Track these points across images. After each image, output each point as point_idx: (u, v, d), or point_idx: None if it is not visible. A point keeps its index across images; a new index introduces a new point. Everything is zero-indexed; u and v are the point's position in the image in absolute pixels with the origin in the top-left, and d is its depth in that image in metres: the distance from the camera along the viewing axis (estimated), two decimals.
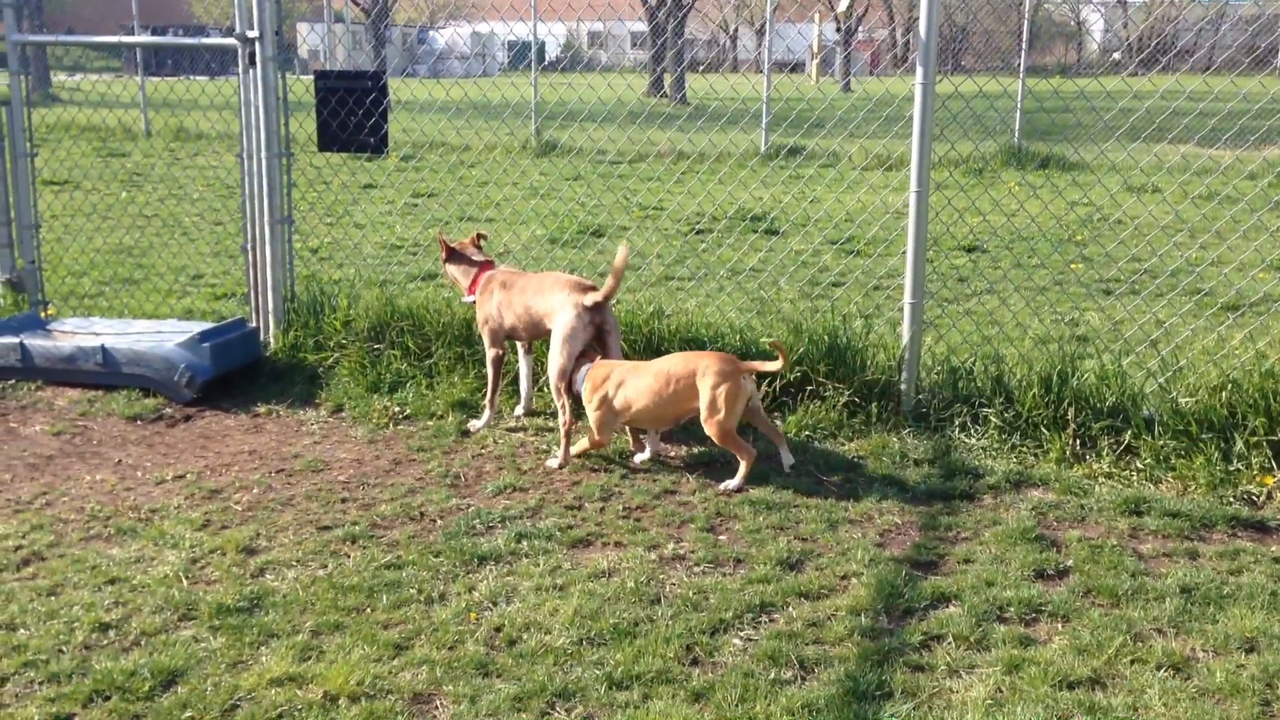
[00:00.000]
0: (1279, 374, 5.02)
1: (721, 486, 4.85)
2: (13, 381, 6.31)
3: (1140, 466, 4.97)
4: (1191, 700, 3.30)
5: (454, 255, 5.82)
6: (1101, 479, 4.93)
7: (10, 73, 7.03)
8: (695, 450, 5.32)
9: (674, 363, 4.97)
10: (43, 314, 7.13)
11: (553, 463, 5.19)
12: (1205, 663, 3.51)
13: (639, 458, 5.19)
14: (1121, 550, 4.27)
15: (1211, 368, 5.29)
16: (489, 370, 5.66)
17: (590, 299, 5.20)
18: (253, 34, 6.33)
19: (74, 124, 18.96)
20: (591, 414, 5.08)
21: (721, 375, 4.81)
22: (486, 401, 5.68)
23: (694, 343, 5.91)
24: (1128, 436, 5.09)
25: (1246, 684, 3.36)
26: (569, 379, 5.17)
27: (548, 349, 5.34)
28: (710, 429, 4.84)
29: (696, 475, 5.05)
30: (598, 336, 5.26)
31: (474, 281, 5.71)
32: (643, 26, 34.07)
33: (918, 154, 5.43)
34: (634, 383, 4.98)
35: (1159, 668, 3.47)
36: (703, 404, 4.83)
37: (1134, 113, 7.48)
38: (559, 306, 5.28)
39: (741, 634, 3.70)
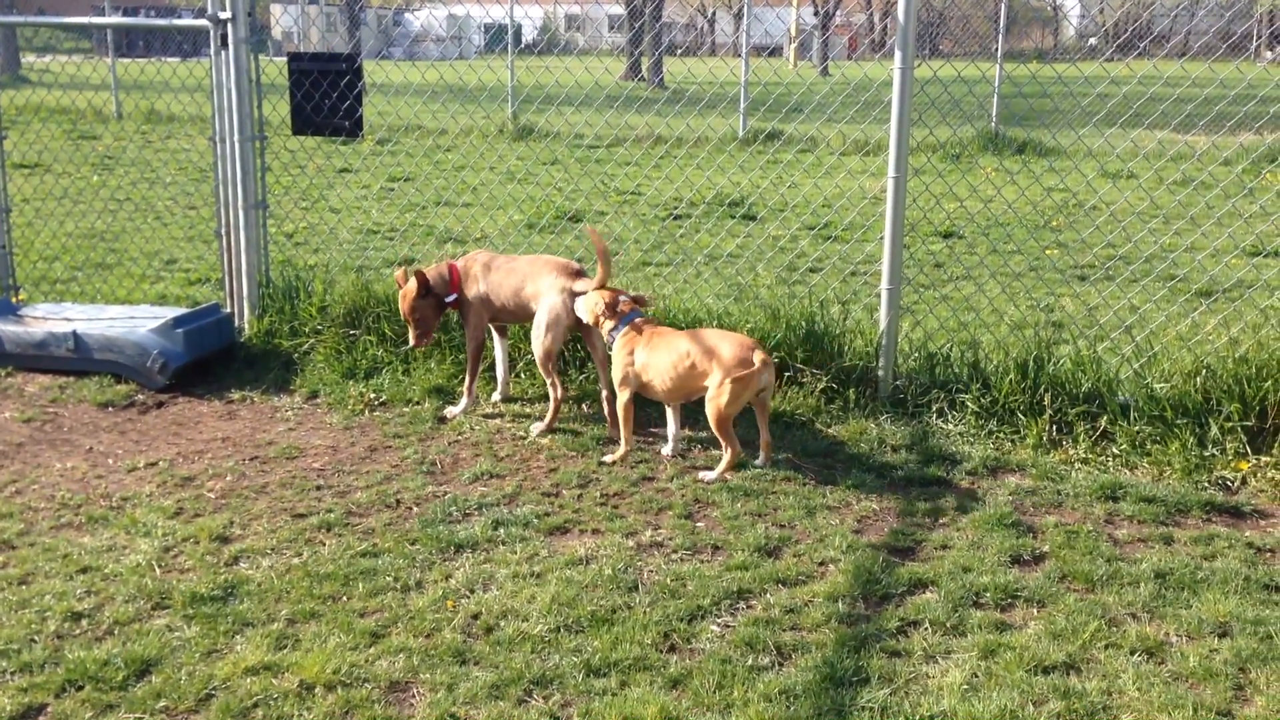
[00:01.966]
0: (1252, 360, 5.05)
1: (700, 475, 4.84)
2: None
3: (1116, 452, 5.00)
4: (1165, 685, 3.32)
5: (428, 283, 5.51)
6: (1078, 464, 4.96)
7: None
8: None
9: (698, 336, 4.88)
10: (14, 299, 7.05)
11: (536, 426, 5.30)
12: (1179, 647, 3.53)
13: (665, 450, 5.15)
14: (1097, 535, 4.29)
15: (1186, 353, 5.32)
16: (469, 357, 5.62)
17: (580, 285, 5.18)
18: (225, 15, 6.25)
19: (44, 106, 18.73)
20: (616, 371, 5.03)
21: (738, 360, 4.72)
22: (465, 388, 5.65)
23: (672, 328, 5.88)
24: (1104, 422, 5.11)
25: (1219, 668, 3.39)
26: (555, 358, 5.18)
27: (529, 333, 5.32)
28: (709, 409, 4.77)
29: (674, 462, 5.04)
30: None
31: (453, 280, 5.60)
32: (620, 10, 33.92)
33: (896, 139, 5.42)
34: (658, 348, 4.91)
35: (1133, 652, 3.49)
36: (711, 384, 4.76)
37: (1111, 98, 7.50)
38: (545, 290, 5.28)
39: (719, 621, 3.69)
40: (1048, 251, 9.23)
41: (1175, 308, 7.10)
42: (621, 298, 5.10)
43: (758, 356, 4.72)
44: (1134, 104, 7.05)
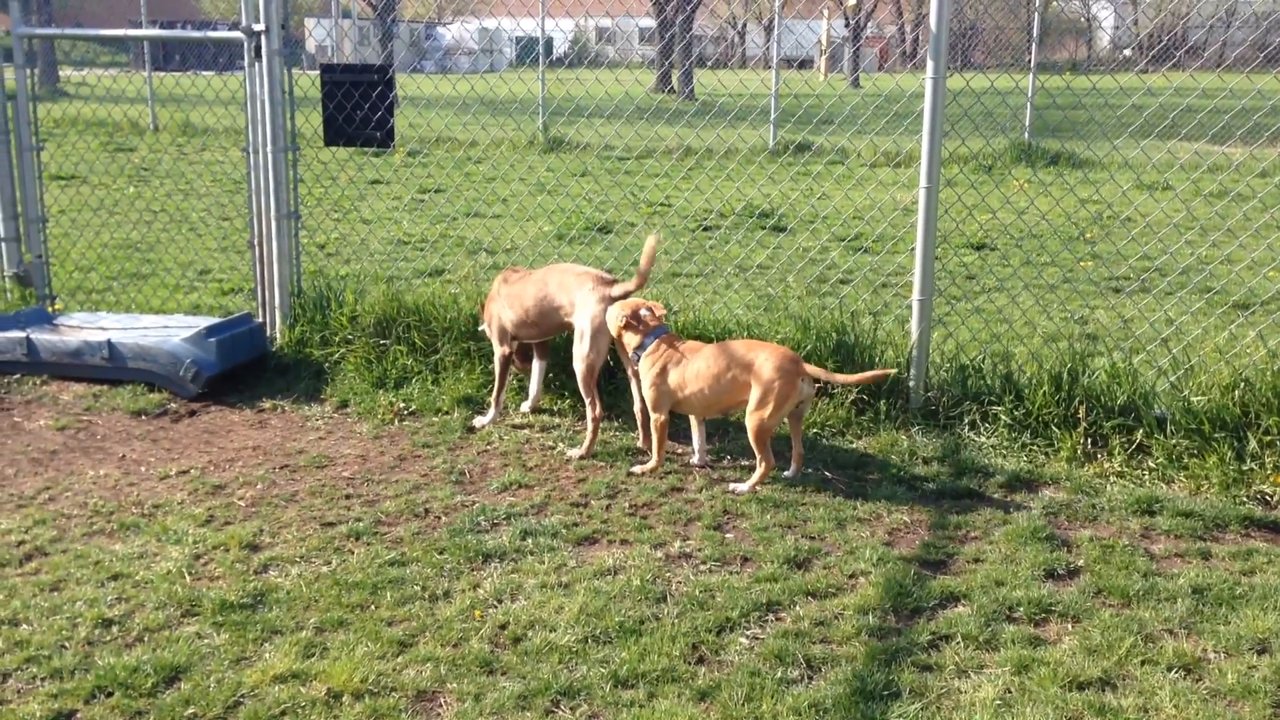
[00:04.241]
0: None
1: (731, 487, 4.81)
2: (18, 376, 6.30)
3: (1152, 466, 4.93)
4: (1203, 702, 3.27)
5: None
6: (1113, 478, 4.89)
7: (15, 66, 7.02)
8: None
9: (735, 349, 4.83)
10: (50, 308, 7.12)
11: (574, 452, 5.19)
12: (1217, 664, 3.47)
13: (693, 460, 5.11)
14: (1133, 550, 4.23)
15: (1224, 366, 5.24)
16: (496, 368, 5.62)
17: (619, 290, 5.15)
18: (259, 27, 6.30)
19: (81, 118, 18.97)
20: (648, 391, 4.97)
21: (780, 371, 4.68)
22: (493, 400, 5.64)
23: (701, 339, 5.86)
24: (1139, 435, 5.04)
25: (1259, 685, 3.33)
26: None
27: (568, 344, 5.27)
28: (750, 421, 4.73)
29: (704, 473, 5.02)
30: None
31: (490, 291, 5.71)
32: (651, 22, 34.01)
33: (928, 149, 5.38)
34: (693, 363, 4.87)
35: (1170, 669, 3.43)
36: (753, 396, 4.71)
37: (1146, 109, 7.43)
38: (584, 301, 5.19)
39: (748, 633, 3.66)
40: (1082, 263, 9.14)
41: (1212, 320, 7.01)
42: (643, 311, 5.04)
43: (800, 368, 4.70)
44: (1170, 115, 6.97)
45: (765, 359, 4.72)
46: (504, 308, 5.51)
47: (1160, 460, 4.93)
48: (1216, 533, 4.41)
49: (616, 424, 5.57)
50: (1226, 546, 4.29)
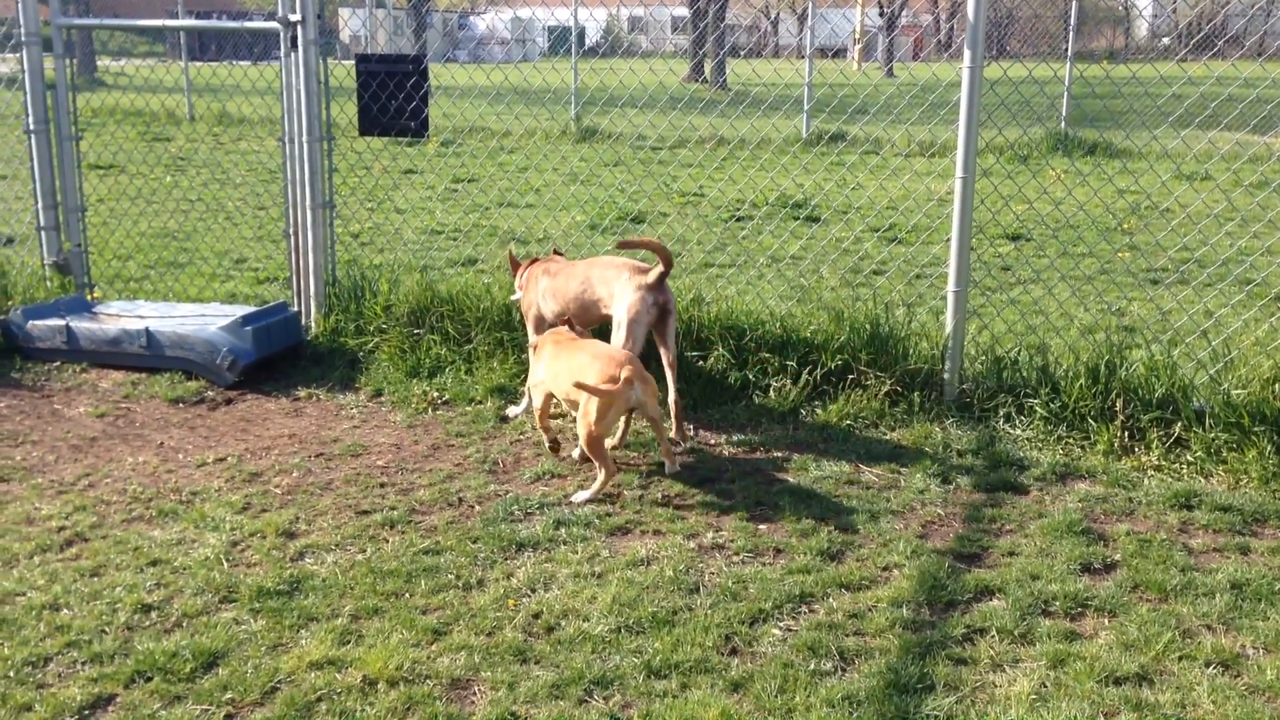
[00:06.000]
0: None
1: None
2: (58, 363, 6.38)
3: (1190, 459, 4.88)
4: (1241, 698, 3.23)
5: (516, 265, 5.82)
6: (1150, 472, 4.84)
7: (54, 56, 7.08)
8: (735, 438, 5.28)
9: (585, 348, 4.85)
10: (88, 297, 7.20)
11: (609, 442, 5.13)
12: (1255, 660, 3.44)
13: (576, 452, 5.06)
14: (1171, 545, 4.19)
15: (1264, 359, 5.17)
16: (530, 358, 5.63)
17: (653, 276, 5.15)
18: (295, 17, 6.33)
19: (119, 108, 19.15)
20: (532, 377, 5.10)
21: (605, 378, 4.60)
22: (526, 389, 5.66)
23: (734, 330, 5.83)
24: (1178, 428, 4.99)
25: None
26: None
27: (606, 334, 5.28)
28: (579, 429, 4.66)
29: (736, 464, 5.01)
30: (660, 317, 5.19)
31: (527, 278, 5.70)
32: (684, 11, 33.90)
33: (964, 139, 5.34)
34: (560, 357, 4.91)
35: (1208, 664, 3.40)
36: (581, 405, 4.63)
37: (1186, 98, 7.33)
38: (621, 291, 5.20)
39: (781, 624, 3.66)
40: (1120, 254, 9.05)
41: (1253, 312, 6.92)
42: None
43: (624, 373, 4.60)
44: (1210, 104, 6.88)
45: (593, 366, 4.67)
46: (545, 299, 5.52)
47: (1199, 454, 4.88)
48: (1255, 527, 4.36)
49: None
50: (1266, 541, 4.24)
